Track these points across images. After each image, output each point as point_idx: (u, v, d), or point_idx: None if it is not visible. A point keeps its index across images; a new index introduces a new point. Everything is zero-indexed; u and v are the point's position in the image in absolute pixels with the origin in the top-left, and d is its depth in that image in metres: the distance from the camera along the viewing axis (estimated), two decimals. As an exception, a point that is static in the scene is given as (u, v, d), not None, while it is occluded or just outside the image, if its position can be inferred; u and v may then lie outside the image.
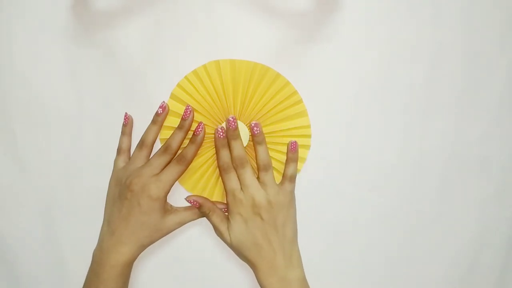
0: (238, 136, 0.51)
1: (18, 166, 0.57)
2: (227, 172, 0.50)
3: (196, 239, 0.58)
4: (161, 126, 0.52)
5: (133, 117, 0.55)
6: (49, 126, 0.56)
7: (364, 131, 0.55)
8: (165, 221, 0.50)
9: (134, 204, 0.48)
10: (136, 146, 0.52)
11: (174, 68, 0.53)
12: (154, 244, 0.53)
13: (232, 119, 0.50)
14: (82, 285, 0.50)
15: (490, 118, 0.55)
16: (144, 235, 0.49)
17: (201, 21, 0.51)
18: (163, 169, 0.50)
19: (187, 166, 0.51)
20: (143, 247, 0.50)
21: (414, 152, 0.56)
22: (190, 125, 0.52)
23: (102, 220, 0.52)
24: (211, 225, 0.57)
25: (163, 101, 0.52)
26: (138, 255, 0.50)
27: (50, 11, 0.52)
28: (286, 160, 0.52)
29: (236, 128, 0.50)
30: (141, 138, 0.52)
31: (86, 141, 0.56)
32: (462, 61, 0.53)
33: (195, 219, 0.53)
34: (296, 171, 0.52)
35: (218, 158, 0.51)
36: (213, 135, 0.53)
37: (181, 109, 0.53)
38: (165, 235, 0.51)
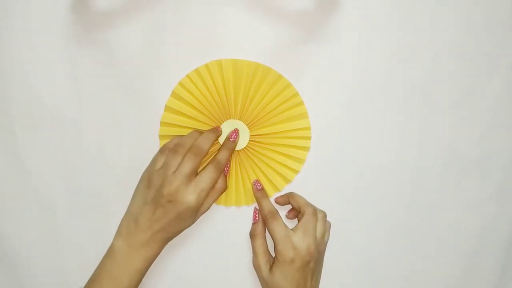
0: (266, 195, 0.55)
1: (18, 166, 0.57)
2: (275, 218, 0.52)
3: (197, 239, 0.58)
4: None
5: (133, 117, 0.55)
6: (49, 126, 0.56)
7: (364, 132, 0.55)
8: (197, 216, 0.50)
9: (171, 211, 0.47)
10: (171, 149, 0.50)
11: (174, 68, 0.53)
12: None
13: (255, 183, 0.55)
14: (81, 284, 0.50)
15: (490, 118, 0.55)
16: (176, 232, 0.50)
17: (202, 21, 0.51)
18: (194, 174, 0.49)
19: (221, 172, 0.51)
20: (170, 239, 0.51)
21: (414, 152, 0.56)
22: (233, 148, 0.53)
23: (126, 211, 0.51)
24: (212, 225, 0.57)
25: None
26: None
27: (50, 11, 0.52)
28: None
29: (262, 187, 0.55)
30: (180, 141, 0.50)
31: (86, 141, 0.56)
32: (462, 61, 0.53)
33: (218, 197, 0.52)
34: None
35: (261, 209, 0.53)
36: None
37: (182, 107, 0.53)
38: None
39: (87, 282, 0.49)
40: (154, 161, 0.51)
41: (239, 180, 0.55)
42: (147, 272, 0.54)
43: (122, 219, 0.51)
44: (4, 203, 0.58)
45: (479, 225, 0.58)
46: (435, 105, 0.54)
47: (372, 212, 0.57)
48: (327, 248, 0.54)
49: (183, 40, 0.52)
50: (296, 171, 0.55)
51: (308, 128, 0.54)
